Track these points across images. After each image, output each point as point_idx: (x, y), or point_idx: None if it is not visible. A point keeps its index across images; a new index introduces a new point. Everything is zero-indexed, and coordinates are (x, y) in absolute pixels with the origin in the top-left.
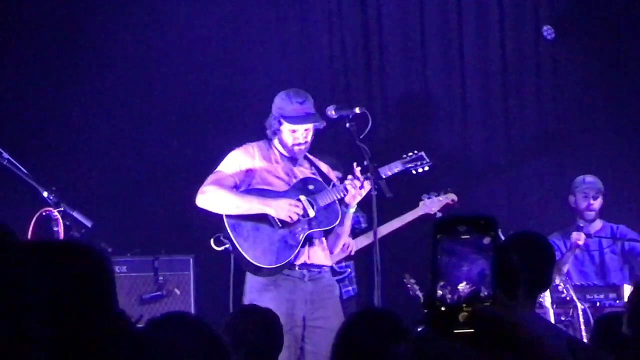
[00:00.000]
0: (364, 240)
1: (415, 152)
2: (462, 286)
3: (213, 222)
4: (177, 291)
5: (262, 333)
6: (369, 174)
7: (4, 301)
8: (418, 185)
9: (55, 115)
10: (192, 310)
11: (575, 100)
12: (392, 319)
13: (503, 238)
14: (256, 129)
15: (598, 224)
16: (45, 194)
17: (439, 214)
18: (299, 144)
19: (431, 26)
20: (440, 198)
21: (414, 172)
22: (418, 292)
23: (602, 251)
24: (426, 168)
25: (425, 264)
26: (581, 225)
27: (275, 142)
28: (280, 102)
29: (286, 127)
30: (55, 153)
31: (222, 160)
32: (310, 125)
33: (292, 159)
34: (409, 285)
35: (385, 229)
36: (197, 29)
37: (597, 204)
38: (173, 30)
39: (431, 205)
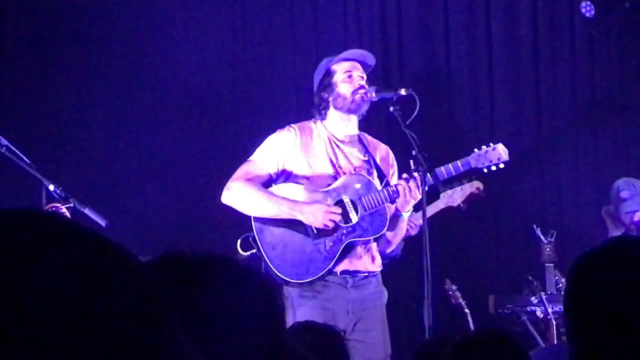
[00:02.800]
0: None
1: (491, 145)
2: None
3: (225, 221)
4: None
5: (324, 351)
6: (419, 167)
7: None
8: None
9: (56, 113)
10: None
11: (612, 83)
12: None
13: (542, 238)
14: (268, 118)
15: None
16: (51, 187)
17: (463, 206)
18: (359, 89)
19: (455, 4)
20: (464, 188)
21: (485, 170)
22: (461, 300)
23: None
24: (501, 166)
25: (467, 267)
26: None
27: (325, 122)
28: (325, 60)
29: (339, 72)
30: (56, 151)
31: (257, 146)
32: (360, 68)
33: (343, 142)
34: (450, 292)
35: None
36: (204, 22)
37: (636, 216)
38: (181, 25)
39: (454, 196)
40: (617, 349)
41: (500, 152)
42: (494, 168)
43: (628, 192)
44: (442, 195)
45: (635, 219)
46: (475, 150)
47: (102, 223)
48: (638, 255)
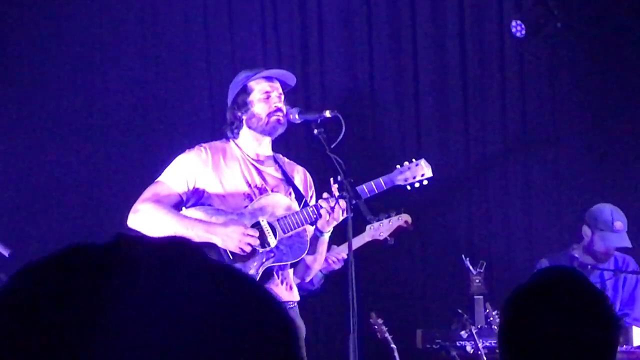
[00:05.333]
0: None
1: (414, 160)
2: None
3: None
4: None
5: None
6: (344, 193)
7: None
8: (366, 202)
9: None
10: None
11: (544, 108)
12: None
13: (471, 268)
14: (181, 136)
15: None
16: None
17: (390, 240)
18: (275, 111)
19: (379, 19)
20: (392, 221)
21: (409, 187)
22: (387, 335)
23: (603, 284)
24: (425, 182)
25: (393, 299)
26: (576, 255)
27: (237, 140)
28: (242, 74)
29: (257, 91)
30: None
31: (166, 167)
32: (280, 88)
33: (257, 161)
34: (375, 327)
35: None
36: (111, 19)
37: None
38: (84, 27)
39: (380, 229)
40: None
41: (424, 167)
42: (417, 185)
43: (623, 224)
44: (368, 227)
45: (613, 253)
46: (398, 166)
47: (6, 253)
48: (575, 288)
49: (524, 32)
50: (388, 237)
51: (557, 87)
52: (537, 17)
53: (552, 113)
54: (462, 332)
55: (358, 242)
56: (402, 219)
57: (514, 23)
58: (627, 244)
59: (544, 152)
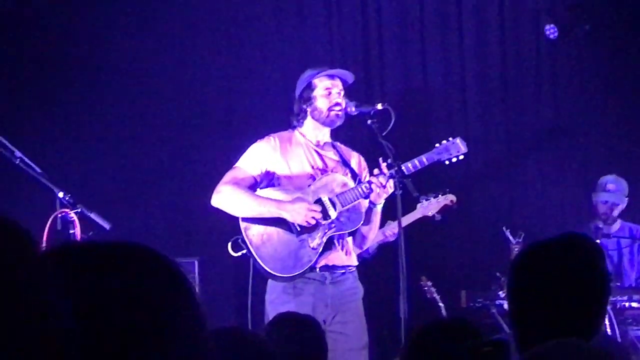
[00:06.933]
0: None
1: (450, 139)
2: None
3: (217, 224)
4: None
5: (304, 342)
6: (393, 172)
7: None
8: (417, 184)
9: (54, 115)
10: None
11: (575, 101)
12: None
13: (511, 238)
14: (258, 129)
15: (617, 225)
16: (60, 194)
17: (437, 217)
18: (334, 105)
19: (430, 24)
20: (439, 199)
21: (447, 162)
22: (435, 295)
23: (620, 252)
24: (461, 157)
25: (441, 265)
26: (600, 226)
27: (302, 129)
28: (308, 72)
29: (320, 88)
30: (57, 154)
31: (241, 154)
32: (340, 85)
33: (319, 146)
34: (425, 288)
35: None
36: (197, 27)
37: (616, 211)
38: (172, 32)
39: (429, 207)
40: (545, 326)
41: (459, 145)
42: (454, 160)
43: (615, 185)
44: (418, 206)
45: (615, 214)
46: (437, 145)
47: (107, 226)
48: (574, 245)
49: (556, 34)
50: (436, 214)
51: (585, 82)
52: (569, 21)
53: (581, 104)
54: (501, 293)
55: (410, 218)
56: (447, 198)
57: (547, 27)
58: (614, 199)
59: (576, 137)
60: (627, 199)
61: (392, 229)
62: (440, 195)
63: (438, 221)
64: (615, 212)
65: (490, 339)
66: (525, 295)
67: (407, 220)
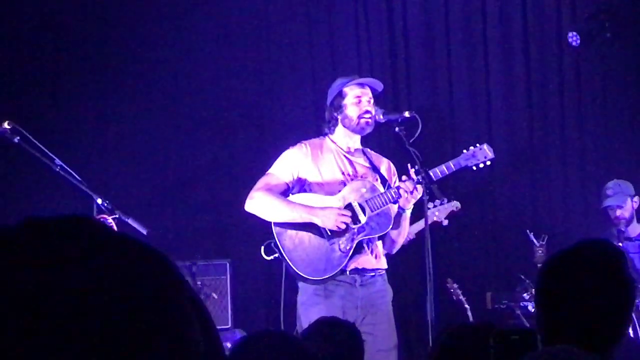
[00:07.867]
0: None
1: (478, 145)
2: None
3: (250, 227)
4: (215, 295)
5: (341, 343)
6: (420, 178)
7: None
8: (444, 189)
9: (93, 123)
10: (229, 314)
11: (598, 107)
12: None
13: (535, 241)
14: (290, 136)
15: (637, 227)
16: (99, 200)
17: (445, 222)
18: (364, 113)
19: (455, 34)
20: (446, 206)
21: (474, 168)
22: (461, 297)
23: None
24: (488, 163)
25: (467, 268)
26: (622, 229)
27: (333, 136)
28: (339, 80)
29: (350, 96)
30: (89, 159)
31: (274, 161)
32: (369, 93)
33: (349, 153)
34: (451, 290)
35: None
36: (232, 37)
37: (626, 212)
38: (210, 39)
39: (439, 214)
40: (571, 329)
41: (486, 151)
42: (482, 165)
43: (613, 190)
44: (428, 212)
45: (618, 214)
46: (464, 151)
47: (144, 231)
48: (597, 253)
49: (579, 41)
50: (444, 220)
51: (607, 87)
52: (590, 29)
53: (605, 110)
54: (525, 294)
55: (419, 226)
56: (453, 205)
57: (570, 34)
58: (615, 202)
59: (599, 143)
60: (636, 197)
61: (412, 230)
62: (445, 203)
63: (466, 221)
64: (624, 214)
65: (518, 328)
66: (553, 300)
67: (416, 228)
